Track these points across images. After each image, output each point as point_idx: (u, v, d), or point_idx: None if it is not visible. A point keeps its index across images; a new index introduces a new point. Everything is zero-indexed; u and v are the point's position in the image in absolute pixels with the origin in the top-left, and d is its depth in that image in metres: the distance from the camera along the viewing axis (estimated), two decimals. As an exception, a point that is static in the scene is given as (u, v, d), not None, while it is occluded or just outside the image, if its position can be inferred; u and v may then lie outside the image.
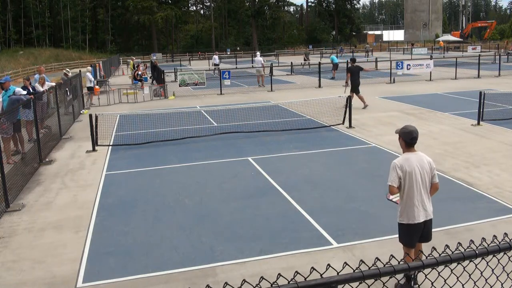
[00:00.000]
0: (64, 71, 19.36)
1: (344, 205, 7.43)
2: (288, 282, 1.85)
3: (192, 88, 23.48)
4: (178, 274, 5.44)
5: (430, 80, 25.01)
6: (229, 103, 18.61)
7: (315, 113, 15.30)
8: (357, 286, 2.02)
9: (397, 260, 2.28)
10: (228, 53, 64.22)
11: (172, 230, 6.68)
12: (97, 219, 7.22)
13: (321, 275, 2.02)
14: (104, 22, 72.78)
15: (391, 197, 5.11)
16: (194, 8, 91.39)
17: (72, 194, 8.50)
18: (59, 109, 13.74)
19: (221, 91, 22.37)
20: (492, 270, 2.77)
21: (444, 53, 52.74)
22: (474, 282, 2.77)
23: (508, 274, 2.89)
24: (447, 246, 2.60)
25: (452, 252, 2.19)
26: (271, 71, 24.61)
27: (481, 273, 2.73)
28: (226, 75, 22.98)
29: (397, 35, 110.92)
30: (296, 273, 2.08)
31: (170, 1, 74.66)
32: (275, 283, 1.86)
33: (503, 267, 2.83)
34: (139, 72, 27.15)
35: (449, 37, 70.20)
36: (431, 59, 27.06)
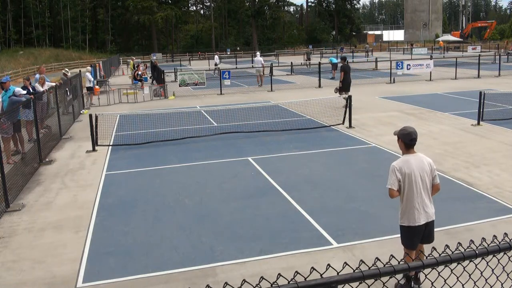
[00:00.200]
0: (63, 71, 19.35)
1: (344, 205, 7.43)
2: (288, 282, 1.85)
3: (192, 88, 23.48)
4: (178, 274, 5.44)
5: (430, 80, 25.01)
6: (229, 103, 18.61)
7: (315, 113, 15.30)
8: (357, 286, 2.02)
9: (397, 260, 2.28)
10: (228, 53, 64.26)
11: (172, 230, 6.68)
12: (97, 219, 7.22)
13: (321, 275, 2.02)
14: (104, 22, 72.81)
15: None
16: (194, 8, 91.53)
17: (72, 194, 8.50)
18: (59, 109, 13.75)
19: (221, 91, 22.37)
20: (492, 270, 2.77)
21: (444, 53, 52.76)
22: (474, 282, 2.77)
23: (508, 274, 2.89)
24: (447, 246, 2.60)
25: (452, 252, 2.19)
26: (271, 71, 24.61)
27: (481, 273, 2.73)
28: (226, 75, 22.99)
29: (397, 35, 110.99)
30: (296, 273, 2.08)
31: (170, 1, 74.69)
32: (275, 283, 1.86)
33: (503, 267, 2.83)
34: (139, 72, 27.16)
35: (449, 37, 70.25)
36: (431, 59, 27.06)
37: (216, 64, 33.65)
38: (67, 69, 20.23)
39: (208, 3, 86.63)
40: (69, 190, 8.71)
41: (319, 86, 23.68)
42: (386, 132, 12.57)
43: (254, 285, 1.95)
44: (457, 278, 2.79)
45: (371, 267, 2.01)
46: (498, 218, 6.70)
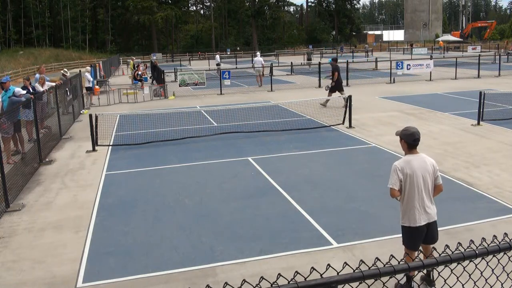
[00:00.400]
0: (62, 71, 19.33)
1: (344, 205, 7.43)
2: (288, 282, 1.85)
3: (192, 88, 23.48)
4: (178, 274, 5.44)
5: (430, 80, 25.01)
6: (229, 103, 18.61)
7: (315, 113, 15.31)
8: (357, 286, 2.02)
9: (397, 260, 2.28)
10: (228, 53, 64.30)
11: (172, 230, 6.68)
12: (97, 219, 7.22)
13: (321, 275, 2.02)
14: (104, 22, 72.83)
15: None
16: (194, 8, 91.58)
17: (72, 194, 8.50)
18: (59, 109, 13.74)
19: (221, 91, 22.38)
20: (492, 270, 2.77)
21: (444, 53, 52.77)
22: (474, 282, 2.77)
23: (508, 274, 2.89)
24: (447, 246, 2.60)
25: (452, 252, 2.19)
26: (271, 71, 24.62)
27: (481, 273, 2.73)
28: (226, 75, 22.99)
29: (397, 35, 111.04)
30: (296, 273, 2.08)
31: (170, 1, 74.71)
32: (275, 283, 1.86)
33: (503, 267, 2.83)
34: (139, 72, 27.16)
35: (449, 37, 70.26)
36: (431, 59, 27.07)
37: (218, 64, 33.67)
38: (66, 69, 20.20)
39: (208, 3, 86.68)
40: (69, 190, 8.71)
41: (319, 86, 23.67)
42: (386, 132, 12.58)
43: (254, 285, 1.95)
44: (457, 278, 2.79)
45: (371, 267, 2.01)
46: (498, 218, 6.70)
